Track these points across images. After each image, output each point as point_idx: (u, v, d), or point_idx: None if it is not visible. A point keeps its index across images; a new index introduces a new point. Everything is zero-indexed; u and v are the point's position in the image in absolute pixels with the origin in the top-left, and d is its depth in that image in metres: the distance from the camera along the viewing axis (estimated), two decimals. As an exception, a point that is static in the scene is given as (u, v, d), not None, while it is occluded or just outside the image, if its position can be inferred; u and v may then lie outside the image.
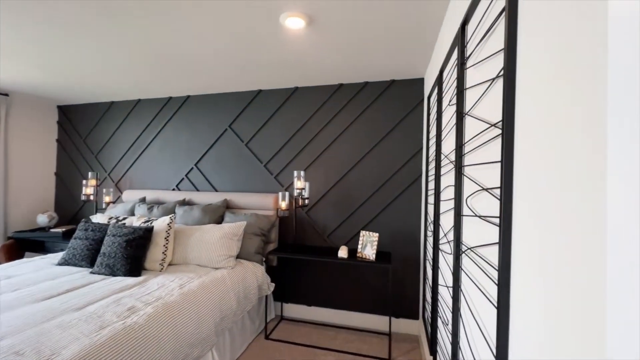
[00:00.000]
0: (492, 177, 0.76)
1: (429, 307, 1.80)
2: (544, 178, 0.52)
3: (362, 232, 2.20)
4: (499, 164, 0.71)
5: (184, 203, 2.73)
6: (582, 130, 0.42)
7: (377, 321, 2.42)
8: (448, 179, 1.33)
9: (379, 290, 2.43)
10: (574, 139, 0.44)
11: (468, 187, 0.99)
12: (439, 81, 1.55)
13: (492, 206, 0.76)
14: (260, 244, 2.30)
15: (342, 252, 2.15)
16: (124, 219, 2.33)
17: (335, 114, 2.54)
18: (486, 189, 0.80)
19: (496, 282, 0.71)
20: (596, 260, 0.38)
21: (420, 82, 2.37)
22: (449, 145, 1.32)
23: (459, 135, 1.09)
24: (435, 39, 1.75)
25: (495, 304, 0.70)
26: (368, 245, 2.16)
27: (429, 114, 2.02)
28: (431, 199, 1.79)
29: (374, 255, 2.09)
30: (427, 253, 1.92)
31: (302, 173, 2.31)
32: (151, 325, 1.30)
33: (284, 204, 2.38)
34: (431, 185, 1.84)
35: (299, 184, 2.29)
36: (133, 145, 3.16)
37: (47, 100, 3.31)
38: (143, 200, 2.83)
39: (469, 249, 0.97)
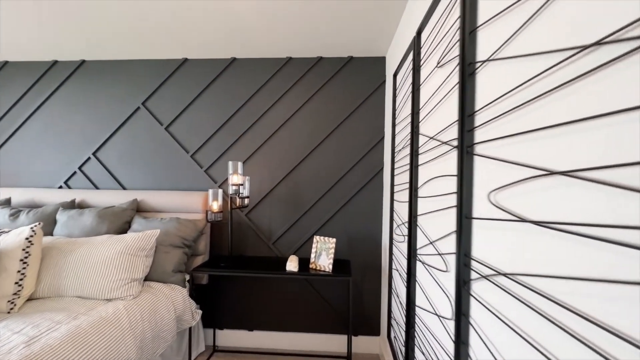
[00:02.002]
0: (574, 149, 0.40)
1: (399, 328, 1.47)
2: None
3: (316, 238, 1.79)
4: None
5: (73, 206, 1.98)
6: None
7: (334, 342, 2.04)
8: (435, 168, 0.98)
9: (337, 306, 2.05)
10: None
11: (491, 175, 0.64)
12: (416, 44, 1.21)
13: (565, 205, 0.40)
14: (181, 259, 1.72)
15: (292, 264, 1.71)
16: (-43, 232, 1.52)
17: (282, 94, 2.08)
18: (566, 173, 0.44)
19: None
20: None
21: (381, 61, 2.05)
22: (436, 122, 0.98)
23: (468, 102, 0.73)
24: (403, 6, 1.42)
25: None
26: (323, 253, 1.76)
27: (395, 95, 1.70)
28: (402, 196, 1.46)
29: (330, 266, 1.70)
30: (395, 262, 1.59)
31: (239, 165, 1.80)
32: None
33: (215, 205, 1.84)
34: (401, 179, 1.51)
35: (235, 178, 1.78)
36: (-3, 125, 2.24)
37: None
38: (6, 203, 1.98)
39: (495, 274, 0.61)
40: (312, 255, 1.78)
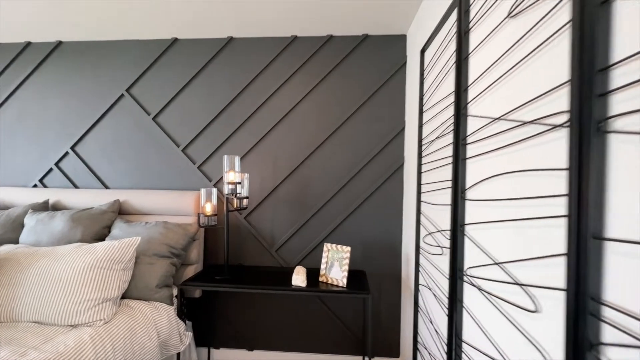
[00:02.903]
0: None
1: (427, 355, 1.20)
2: None
3: (327, 246, 1.52)
4: None
5: (46, 207, 1.72)
6: None
7: (345, 364, 1.77)
8: (502, 160, 0.70)
9: (350, 323, 1.77)
10: None
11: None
12: (462, 2, 0.93)
13: None
14: (168, 271, 1.45)
15: (299, 278, 1.44)
16: None
17: (285, 79, 1.80)
18: None
19: None
20: None
21: (401, 39, 1.76)
22: (509, 96, 0.69)
23: (599, 46, 0.45)
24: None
25: None
26: (335, 264, 1.49)
27: (422, 76, 1.41)
28: (435, 198, 1.18)
29: (344, 280, 1.43)
30: (425, 276, 1.31)
31: (236, 160, 1.52)
32: None
33: (209, 207, 1.57)
34: (433, 176, 1.23)
35: (231, 176, 1.51)
36: (-36, 116, 1.98)
37: None
38: (-32, 203, 1.72)
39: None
40: (323, 266, 1.51)
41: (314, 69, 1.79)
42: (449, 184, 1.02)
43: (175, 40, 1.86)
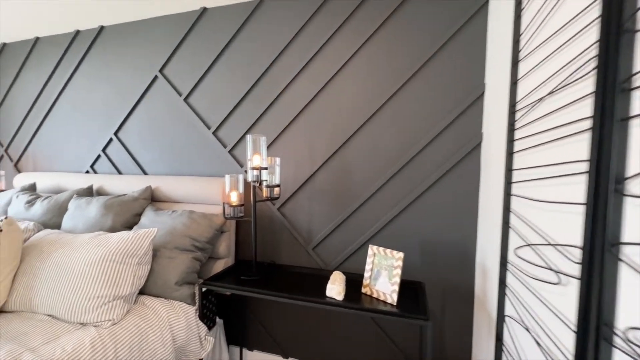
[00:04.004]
0: None
1: None
2: None
3: (373, 249, 1.19)
4: None
5: (90, 193, 1.74)
6: None
7: (396, 393, 1.43)
8: None
9: (403, 345, 1.42)
10: None
11: None
12: None
13: None
14: (190, 267, 1.29)
15: (335, 288, 1.14)
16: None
17: (325, 40, 1.47)
18: None
19: None
20: None
21: (483, -31, 1.27)
22: None
23: None
24: None
25: None
26: (383, 273, 1.15)
27: (520, 6, 0.94)
28: (543, 191, 0.74)
29: (394, 295, 1.08)
30: (516, 304, 0.89)
31: (262, 141, 1.27)
32: None
33: (235, 196, 1.36)
34: (534, 157, 0.78)
35: (256, 160, 1.26)
36: (33, 107, 2.14)
37: None
38: (29, 189, 1.84)
39: None
40: (367, 274, 1.19)
41: (359, 25, 1.42)
42: (583, 167, 0.59)
43: (204, 10, 1.67)
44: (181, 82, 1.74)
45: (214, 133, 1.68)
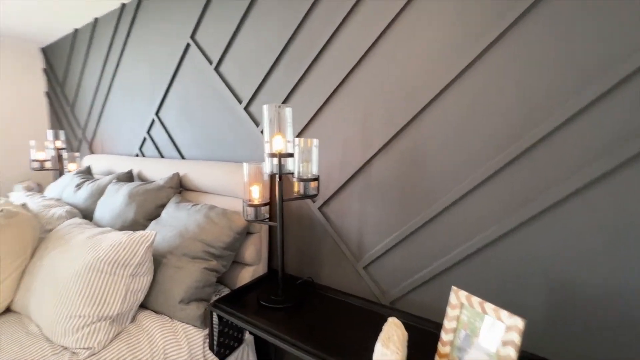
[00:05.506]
0: None
1: None
2: None
3: (459, 295, 0.69)
4: None
5: (130, 178, 1.64)
6: None
7: None
8: None
9: None
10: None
11: None
12: None
13: None
14: (201, 280, 1.01)
15: (387, 354, 0.69)
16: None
17: (393, -47, 0.93)
18: None
19: None
20: None
21: None
22: None
23: None
24: None
25: None
26: (477, 342, 0.64)
27: None
28: None
29: (499, 393, 0.57)
30: None
31: (286, 113, 0.86)
32: None
33: (257, 192, 1.01)
34: None
35: (277, 142, 0.87)
36: (98, 91, 2.19)
37: (26, 41, 2.58)
38: (84, 172, 1.85)
39: None
40: (446, 336, 0.70)
41: None
42: None
43: (233, -53, 1.30)
44: (211, 47, 1.44)
45: (245, 108, 1.34)
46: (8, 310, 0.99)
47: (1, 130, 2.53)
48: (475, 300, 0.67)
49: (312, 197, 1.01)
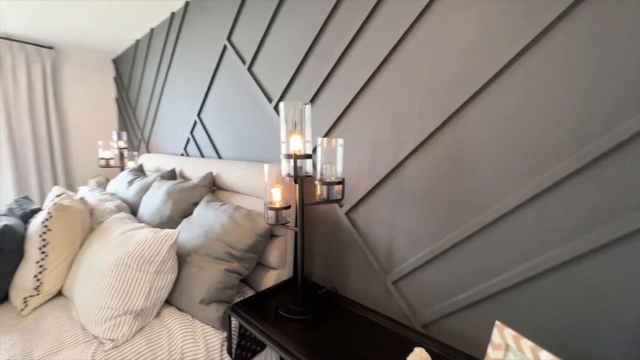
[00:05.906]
0: None
1: None
2: None
3: (503, 333, 0.55)
4: None
5: (173, 176, 1.74)
6: None
7: None
8: None
9: None
10: None
11: None
12: None
13: None
14: (222, 281, 1.00)
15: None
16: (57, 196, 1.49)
17: None
18: None
19: None
20: None
21: None
22: None
23: None
24: None
25: None
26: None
27: None
28: None
29: None
30: None
31: (306, 111, 0.80)
32: None
33: (278, 194, 0.97)
34: None
35: (296, 142, 0.81)
36: (153, 94, 2.39)
37: (99, 53, 2.95)
38: (139, 169, 2.02)
39: None
40: (483, 382, 0.57)
41: None
42: None
43: (266, -57, 1.27)
44: (245, 48, 1.44)
45: (275, 108, 1.32)
46: (60, 293, 1.10)
47: (79, 132, 2.92)
48: (526, 344, 0.53)
49: (337, 201, 0.93)
